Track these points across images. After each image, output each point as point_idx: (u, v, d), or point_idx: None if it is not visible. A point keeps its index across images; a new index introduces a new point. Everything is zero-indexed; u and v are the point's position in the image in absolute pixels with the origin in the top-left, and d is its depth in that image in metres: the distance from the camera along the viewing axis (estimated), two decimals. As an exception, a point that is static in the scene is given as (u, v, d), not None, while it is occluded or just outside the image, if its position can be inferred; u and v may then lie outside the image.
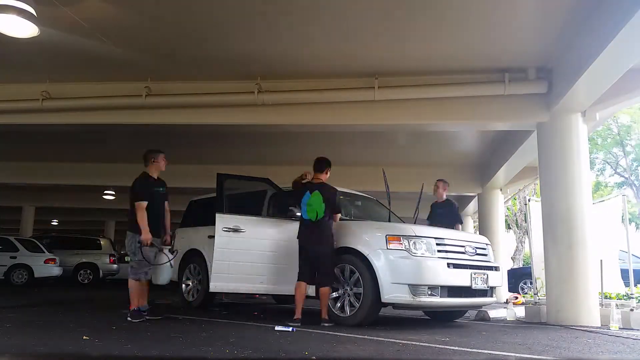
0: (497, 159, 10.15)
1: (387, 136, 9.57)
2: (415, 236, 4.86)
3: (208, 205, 7.50)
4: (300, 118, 7.30)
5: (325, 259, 5.03)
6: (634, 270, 6.65)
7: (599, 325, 5.84)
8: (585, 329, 5.45)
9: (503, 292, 10.45)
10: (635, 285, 6.79)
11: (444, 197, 6.74)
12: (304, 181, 5.35)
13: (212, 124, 7.57)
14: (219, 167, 12.13)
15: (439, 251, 4.91)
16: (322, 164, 5.36)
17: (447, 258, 4.92)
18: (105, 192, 15.89)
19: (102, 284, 14.72)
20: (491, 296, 5.44)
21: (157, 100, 7.32)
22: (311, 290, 5.19)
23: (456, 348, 3.70)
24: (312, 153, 10.84)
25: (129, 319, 4.89)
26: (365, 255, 4.86)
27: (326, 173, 5.36)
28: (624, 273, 6.67)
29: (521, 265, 17.98)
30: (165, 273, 5.26)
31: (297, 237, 5.18)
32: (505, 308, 6.93)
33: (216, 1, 5.29)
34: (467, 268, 5.02)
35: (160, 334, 4.03)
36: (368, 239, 4.96)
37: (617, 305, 6.28)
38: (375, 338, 4.08)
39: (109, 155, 11.96)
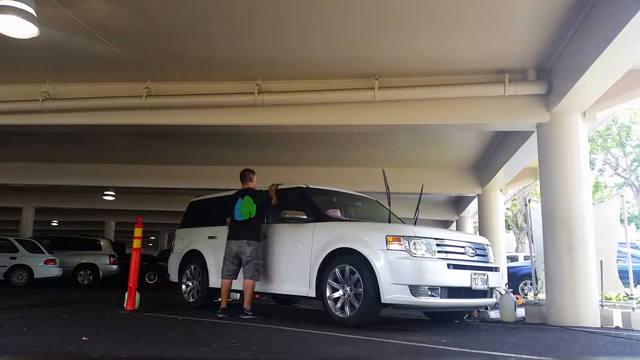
0: (497, 159, 10.15)
1: (387, 136, 9.57)
2: (415, 237, 4.85)
3: (208, 206, 7.49)
4: (300, 119, 7.30)
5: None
6: (633, 271, 6.65)
7: (599, 326, 5.84)
8: (585, 329, 5.45)
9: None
10: (635, 286, 6.78)
11: None
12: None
13: (212, 124, 7.57)
14: (219, 168, 12.22)
15: (439, 252, 4.90)
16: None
17: (447, 259, 4.92)
18: (105, 192, 15.88)
19: (102, 284, 14.70)
20: (491, 297, 5.45)
21: (157, 101, 7.32)
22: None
23: (456, 349, 3.70)
24: (312, 153, 10.98)
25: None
26: (366, 255, 4.85)
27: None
28: (624, 273, 6.67)
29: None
30: None
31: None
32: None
33: (216, 2, 5.30)
34: (467, 269, 5.01)
35: (160, 335, 4.03)
36: (368, 240, 4.95)
37: (616, 306, 6.29)
38: (375, 339, 4.07)
39: (109, 155, 11.96)
